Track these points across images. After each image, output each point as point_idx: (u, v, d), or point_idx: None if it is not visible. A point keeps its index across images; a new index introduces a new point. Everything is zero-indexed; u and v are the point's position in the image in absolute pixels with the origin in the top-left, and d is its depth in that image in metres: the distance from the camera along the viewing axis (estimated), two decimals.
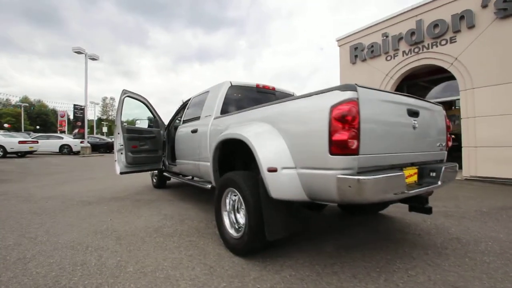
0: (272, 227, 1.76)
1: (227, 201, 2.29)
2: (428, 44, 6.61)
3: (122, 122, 4.07)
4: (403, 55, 7.16)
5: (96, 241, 2.37)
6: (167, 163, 4.75)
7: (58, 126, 33.26)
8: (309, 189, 1.69)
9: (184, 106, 4.57)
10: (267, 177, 1.75)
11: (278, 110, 1.97)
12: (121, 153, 4.06)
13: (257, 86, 3.53)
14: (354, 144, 1.48)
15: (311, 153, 1.64)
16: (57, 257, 2.05)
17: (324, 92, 1.66)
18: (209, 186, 3.05)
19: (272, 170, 1.74)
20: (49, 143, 16.25)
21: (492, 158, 5.59)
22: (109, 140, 21.77)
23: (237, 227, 2.19)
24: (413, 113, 1.95)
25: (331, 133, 1.51)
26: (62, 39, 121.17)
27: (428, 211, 1.95)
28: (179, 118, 4.55)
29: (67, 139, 17.02)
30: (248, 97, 3.48)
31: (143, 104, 4.49)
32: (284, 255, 2.06)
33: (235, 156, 2.68)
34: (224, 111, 3.08)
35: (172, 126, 5.03)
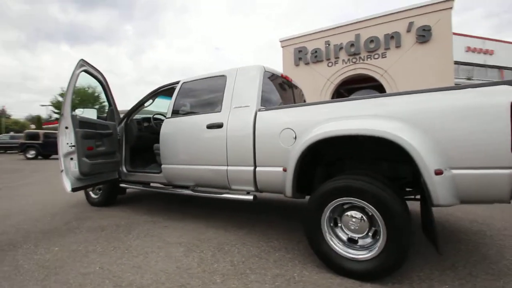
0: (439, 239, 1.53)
1: (328, 215, 1.86)
2: (364, 56, 7.92)
3: (74, 114, 2.67)
4: (342, 63, 8.26)
5: None
6: (125, 170, 3.53)
7: None
8: (467, 190, 1.57)
9: (155, 93, 3.50)
10: (436, 181, 1.50)
11: (411, 103, 1.74)
12: (71, 159, 2.66)
13: (282, 75, 3.12)
14: None
15: (477, 152, 1.52)
16: None
17: (482, 86, 1.58)
18: (251, 197, 2.43)
19: (439, 172, 1.51)
20: None
21: None
22: None
23: (342, 245, 1.81)
24: None
25: None
26: None
27: None
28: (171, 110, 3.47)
29: None
30: (276, 87, 3.02)
31: (99, 85, 3.13)
32: (402, 268, 1.85)
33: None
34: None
35: (133, 120, 3.80)
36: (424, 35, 7.02)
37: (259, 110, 2.41)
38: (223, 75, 2.83)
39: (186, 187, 3.07)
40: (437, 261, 1.95)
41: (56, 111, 28.61)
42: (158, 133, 4.08)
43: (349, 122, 1.85)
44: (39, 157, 14.41)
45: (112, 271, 1.86)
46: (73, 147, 2.63)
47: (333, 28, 8.44)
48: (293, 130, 2.13)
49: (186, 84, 3.14)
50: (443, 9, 6.68)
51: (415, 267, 1.87)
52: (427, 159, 1.53)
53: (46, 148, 14.19)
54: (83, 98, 28.32)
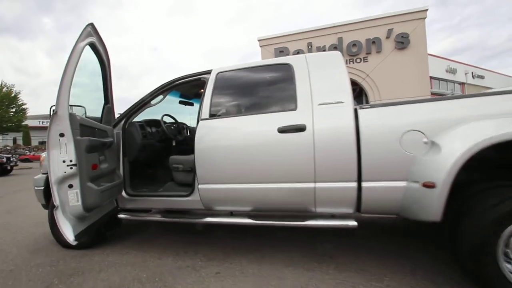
0: None
1: (503, 244, 1.42)
2: (347, 60, 8.06)
3: (74, 113, 1.68)
4: None
5: None
6: (125, 194, 2.56)
7: None
8: None
9: (169, 86, 2.60)
10: None
11: None
12: (69, 186, 1.65)
13: None
14: None
15: None
16: None
17: None
18: (355, 223, 1.85)
19: None
20: None
21: None
22: None
23: None
24: None
25: None
26: None
27: None
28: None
29: None
30: None
31: (100, 72, 2.12)
32: None
33: None
34: None
35: (134, 124, 2.81)
36: (402, 41, 7.52)
37: (361, 108, 1.88)
38: (285, 64, 2.22)
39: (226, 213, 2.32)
40: None
41: None
42: (164, 141, 3.16)
43: None
44: None
45: None
46: (73, 167, 1.63)
47: (315, 30, 8.43)
48: (422, 132, 1.67)
49: (223, 74, 2.40)
50: (418, 18, 7.28)
51: None
52: None
53: None
54: None
